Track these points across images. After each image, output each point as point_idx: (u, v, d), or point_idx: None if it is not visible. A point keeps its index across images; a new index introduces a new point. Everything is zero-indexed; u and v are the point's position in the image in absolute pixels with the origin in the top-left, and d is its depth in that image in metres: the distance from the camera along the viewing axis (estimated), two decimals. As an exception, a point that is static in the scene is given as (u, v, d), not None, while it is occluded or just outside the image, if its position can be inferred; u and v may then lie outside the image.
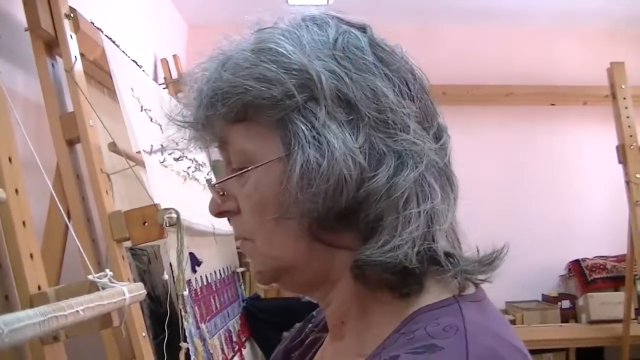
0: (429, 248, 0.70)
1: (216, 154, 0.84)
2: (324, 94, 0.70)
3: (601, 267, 5.07)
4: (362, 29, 0.77)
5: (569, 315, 5.00)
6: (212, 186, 0.81)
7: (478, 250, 0.77)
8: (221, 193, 0.81)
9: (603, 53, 4.70)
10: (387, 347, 0.68)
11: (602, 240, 5.19)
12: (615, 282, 4.90)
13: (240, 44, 0.76)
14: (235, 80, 0.72)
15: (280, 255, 0.77)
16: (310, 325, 0.95)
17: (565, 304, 5.07)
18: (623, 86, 3.92)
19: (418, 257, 0.69)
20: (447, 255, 0.72)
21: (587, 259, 5.17)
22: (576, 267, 5.17)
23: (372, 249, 0.69)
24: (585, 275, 5.07)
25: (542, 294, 5.26)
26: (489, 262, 0.76)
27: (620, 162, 3.83)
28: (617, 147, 3.85)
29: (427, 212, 0.70)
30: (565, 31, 5.44)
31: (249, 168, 0.75)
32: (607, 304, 4.73)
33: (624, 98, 3.89)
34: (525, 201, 5.32)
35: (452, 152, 0.79)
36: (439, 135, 0.77)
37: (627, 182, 3.75)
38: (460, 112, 5.12)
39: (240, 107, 0.73)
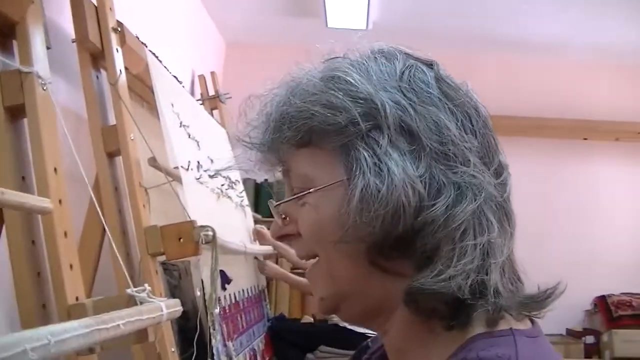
0: (482, 281, 0.70)
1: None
2: (388, 123, 0.71)
3: (627, 304, 5.01)
4: (429, 64, 0.79)
5: (593, 351, 4.95)
6: (274, 209, 0.82)
7: (538, 288, 0.79)
8: (283, 217, 0.82)
9: (637, 89, 4.67)
10: None
11: (630, 277, 5.14)
12: (641, 320, 4.84)
13: (310, 72, 0.78)
14: (303, 106, 0.74)
15: (340, 278, 0.77)
16: (365, 355, 0.94)
17: (590, 339, 5.02)
18: (657, 123, 3.90)
19: (470, 289, 0.69)
20: (496, 290, 0.71)
21: (614, 295, 5.12)
22: (602, 303, 5.12)
23: (426, 277, 0.69)
24: (610, 312, 5.01)
25: (567, 328, 5.21)
26: (541, 299, 0.79)
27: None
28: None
29: (483, 245, 0.71)
30: (600, 65, 5.40)
31: (310, 190, 0.76)
32: (631, 341, 4.69)
33: (658, 135, 3.87)
34: (554, 234, 5.28)
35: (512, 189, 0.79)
36: (499, 172, 0.77)
37: (659, 220, 3.72)
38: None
39: (305, 131, 0.75)
